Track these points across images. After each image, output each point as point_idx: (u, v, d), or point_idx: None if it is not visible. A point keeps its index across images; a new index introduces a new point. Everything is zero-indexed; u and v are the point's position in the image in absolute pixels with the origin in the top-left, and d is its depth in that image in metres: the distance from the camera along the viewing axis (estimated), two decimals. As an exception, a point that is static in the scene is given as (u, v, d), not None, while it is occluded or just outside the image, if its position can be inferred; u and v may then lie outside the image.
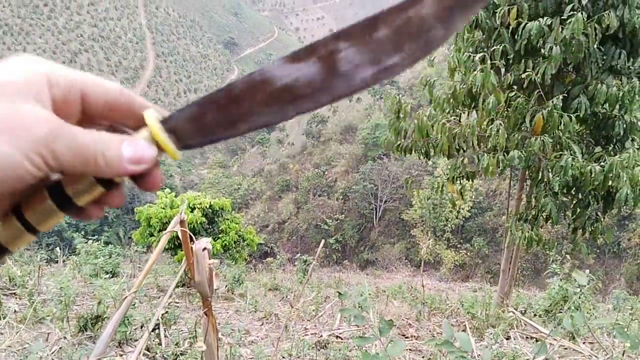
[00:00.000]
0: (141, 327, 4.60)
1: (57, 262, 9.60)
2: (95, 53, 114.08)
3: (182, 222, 1.79)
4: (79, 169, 0.45)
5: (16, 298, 5.48)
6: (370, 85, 0.49)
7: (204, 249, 1.71)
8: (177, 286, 6.44)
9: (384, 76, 0.49)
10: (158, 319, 4.40)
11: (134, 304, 5.13)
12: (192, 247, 1.72)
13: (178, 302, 6.25)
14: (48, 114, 0.43)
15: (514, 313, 6.09)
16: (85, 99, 0.48)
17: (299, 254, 13.70)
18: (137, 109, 0.51)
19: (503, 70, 6.27)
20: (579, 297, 5.15)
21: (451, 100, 6.60)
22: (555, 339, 4.24)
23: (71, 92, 0.47)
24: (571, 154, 5.75)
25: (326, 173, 45.26)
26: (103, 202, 0.50)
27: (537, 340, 5.03)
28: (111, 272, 7.81)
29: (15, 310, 4.77)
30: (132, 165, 0.47)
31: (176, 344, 4.14)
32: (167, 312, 4.77)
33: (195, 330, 4.15)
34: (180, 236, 1.78)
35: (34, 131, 0.41)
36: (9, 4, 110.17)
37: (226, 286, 7.49)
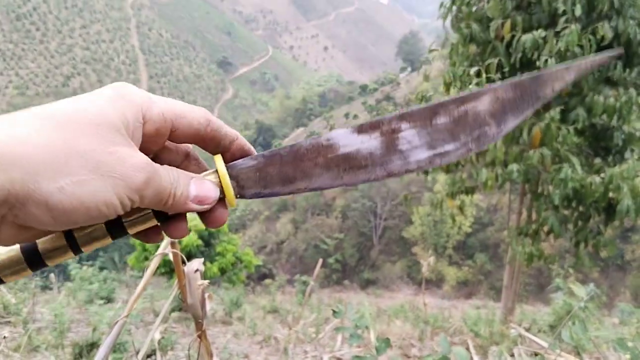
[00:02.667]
0: (137, 354, 4.50)
1: (51, 288, 9.48)
2: (87, 76, 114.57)
3: (173, 244, 1.72)
4: (151, 205, 0.47)
5: (10, 326, 5.41)
6: (422, 167, 0.52)
7: (196, 270, 1.64)
8: (173, 310, 6.34)
9: (438, 161, 0.52)
10: (154, 345, 4.30)
11: (129, 330, 5.04)
12: (184, 269, 1.66)
13: (175, 327, 6.14)
14: (145, 160, 0.45)
15: (517, 329, 5.99)
16: (174, 133, 0.50)
17: (298, 275, 13.61)
18: (221, 140, 0.52)
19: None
20: (583, 311, 5.05)
21: (448, 115, 6.57)
22: (559, 355, 4.15)
23: (163, 127, 0.48)
24: (570, 166, 5.70)
25: (324, 192, 45.20)
26: (164, 230, 0.52)
27: (536, 355, 4.93)
28: (106, 297, 7.70)
29: (4, 336, 4.68)
30: (195, 205, 0.49)
31: (173, 371, 4.04)
32: (163, 337, 4.67)
33: (189, 355, 4.05)
34: (172, 259, 1.72)
35: (133, 179, 0.43)
36: (1, 29, 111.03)
37: (224, 309, 7.37)
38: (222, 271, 10.31)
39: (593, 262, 6.61)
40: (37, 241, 0.47)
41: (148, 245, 8.91)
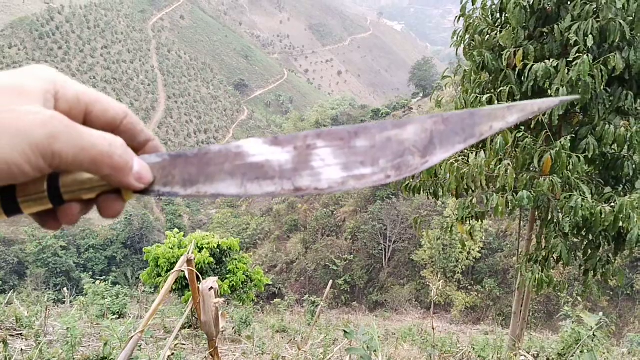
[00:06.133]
0: (147, 369, 4.54)
1: (64, 302, 9.55)
2: (107, 95, 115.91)
3: (189, 262, 1.78)
4: (87, 167, 0.45)
5: (22, 339, 5.45)
6: (334, 188, 0.50)
7: (211, 288, 1.70)
8: (183, 327, 6.37)
9: (352, 183, 0.50)
10: (164, 361, 4.33)
11: (140, 346, 5.08)
12: (198, 287, 1.71)
13: (184, 344, 6.17)
14: (50, 115, 0.43)
15: (525, 357, 5.96)
16: (89, 116, 0.49)
17: (307, 295, 13.57)
18: (137, 137, 0.52)
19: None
20: (592, 340, 5.03)
21: (459, 140, 6.61)
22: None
23: (76, 108, 0.48)
24: (581, 195, 5.71)
25: (335, 213, 45.07)
26: (59, 217, 0.49)
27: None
28: (118, 312, 7.76)
29: (22, 349, 4.72)
30: (135, 181, 0.48)
31: (182, 387, 4.07)
32: (173, 354, 4.71)
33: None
34: (187, 276, 1.78)
35: (32, 133, 0.42)
36: (24, 47, 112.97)
37: (233, 328, 7.40)
38: (233, 289, 10.34)
39: (602, 291, 6.57)
40: None
41: (160, 262, 8.98)
